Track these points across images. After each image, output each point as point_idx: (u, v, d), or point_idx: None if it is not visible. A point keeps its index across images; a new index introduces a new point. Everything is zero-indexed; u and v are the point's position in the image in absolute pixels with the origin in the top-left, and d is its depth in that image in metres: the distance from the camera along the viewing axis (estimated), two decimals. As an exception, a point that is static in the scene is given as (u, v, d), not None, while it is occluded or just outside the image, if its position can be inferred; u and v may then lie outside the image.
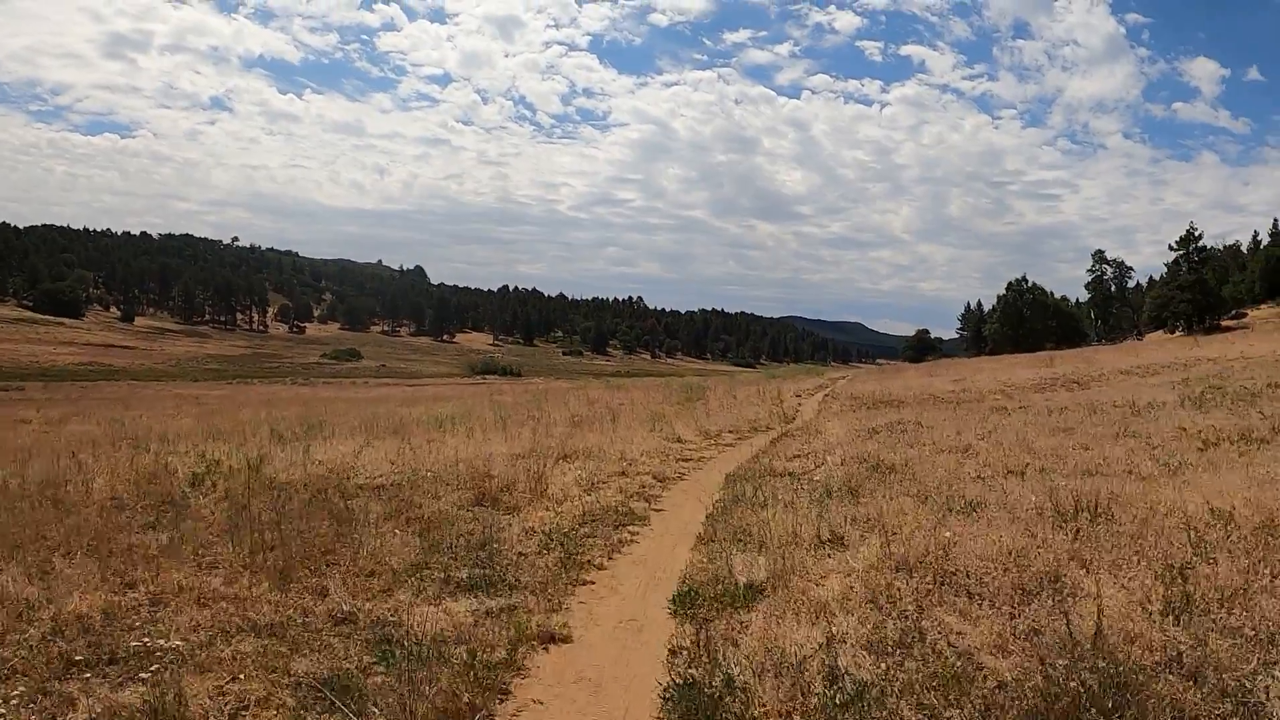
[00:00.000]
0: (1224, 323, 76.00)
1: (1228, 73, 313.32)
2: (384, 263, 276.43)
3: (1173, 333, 76.94)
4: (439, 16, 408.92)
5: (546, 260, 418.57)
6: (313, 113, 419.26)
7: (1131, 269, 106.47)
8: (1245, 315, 78.30)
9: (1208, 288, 77.59)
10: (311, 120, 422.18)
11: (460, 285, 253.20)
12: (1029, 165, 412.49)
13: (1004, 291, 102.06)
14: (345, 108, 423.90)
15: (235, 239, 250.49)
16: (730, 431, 17.10)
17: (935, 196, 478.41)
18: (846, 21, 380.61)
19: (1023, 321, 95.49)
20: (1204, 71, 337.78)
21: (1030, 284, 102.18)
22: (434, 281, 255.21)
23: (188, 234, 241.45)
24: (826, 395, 27.47)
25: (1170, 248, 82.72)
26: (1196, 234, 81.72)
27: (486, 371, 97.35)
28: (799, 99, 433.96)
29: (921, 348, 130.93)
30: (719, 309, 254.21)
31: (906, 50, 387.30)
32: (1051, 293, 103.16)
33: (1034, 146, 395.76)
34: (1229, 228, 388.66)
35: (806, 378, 38.64)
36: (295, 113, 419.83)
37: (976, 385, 25.30)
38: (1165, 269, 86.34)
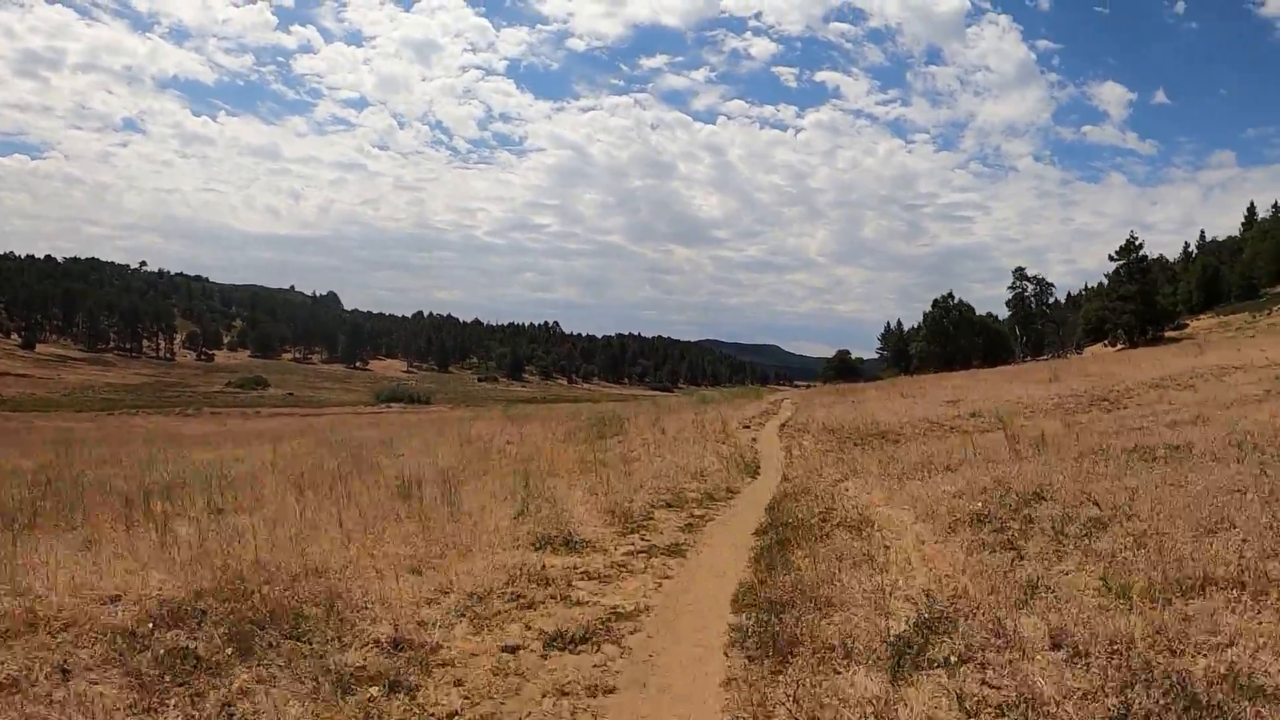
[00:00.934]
0: (1167, 333, 71.52)
1: (1135, 97, 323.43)
2: (297, 289, 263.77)
3: (1114, 345, 72.69)
4: (356, 39, 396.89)
5: (464, 286, 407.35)
6: (227, 135, 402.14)
7: (1052, 285, 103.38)
8: (1186, 325, 74.41)
9: (1150, 298, 73.18)
10: (226, 143, 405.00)
11: (374, 311, 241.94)
12: (942, 188, 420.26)
13: (929, 309, 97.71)
14: (260, 131, 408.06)
15: (144, 264, 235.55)
16: (666, 505, 9.68)
17: (850, 220, 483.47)
18: (762, 48, 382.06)
19: (950, 338, 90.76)
20: (1112, 96, 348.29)
21: (956, 300, 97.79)
22: (348, 308, 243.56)
23: (94, 257, 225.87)
24: (784, 426, 20.65)
25: (1110, 258, 77.68)
26: (1137, 243, 76.75)
27: (393, 399, 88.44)
28: (715, 124, 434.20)
29: (842, 368, 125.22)
30: (636, 333, 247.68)
31: (821, 76, 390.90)
32: (973, 309, 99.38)
33: (947, 170, 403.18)
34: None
35: (746, 402, 31.82)
36: (210, 135, 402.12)
37: (983, 408, 18.68)
38: (1105, 279, 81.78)
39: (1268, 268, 78.70)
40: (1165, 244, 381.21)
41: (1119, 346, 70.10)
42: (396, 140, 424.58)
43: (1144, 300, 72.18)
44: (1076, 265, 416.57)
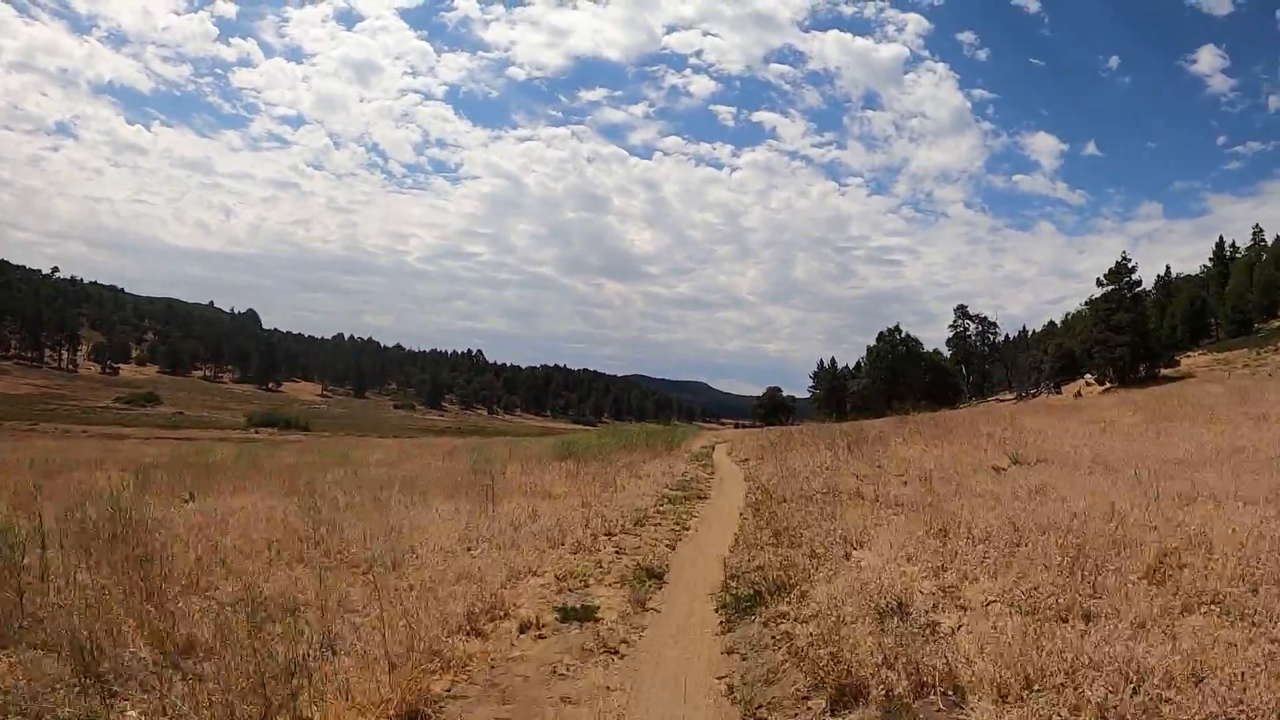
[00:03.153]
0: (1162, 370, 62.09)
1: (1066, 147, 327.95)
2: (216, 305, 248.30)
3: (1100, 384, 63.53)
4: (296, 56, 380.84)
5: (394, 312, 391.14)
6: (161, 146, 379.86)
7: (995, 325, 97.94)
8: (1178, 362, 65.21)
9: (1144, 330, 63.33)
10: (159, 154, 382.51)
11: (298, 333, 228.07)
12: (874, 231, 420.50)
13: (874, 343, 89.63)
14: (195, 143, 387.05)
15: (55, 269, 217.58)
16: None
17: (782, 260, 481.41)
18: (702, 85, 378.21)
19: (896, 376, 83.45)
20: (1044, 145, 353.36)
21: (904, 334, 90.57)
22: (274, 328, 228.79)
23: (3, 260, 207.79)
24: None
25: (1099, 282, 67.22)
26: (1130, 265, 66.60)
27: (266, 424, 77.96)
28: (651, 160, 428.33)
29: (773, 406, 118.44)
30: (561, 365, 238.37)
31: (759, 116, 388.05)
32: (920, 344, 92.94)
33: (879, 214, 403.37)
34: (1064, 293, 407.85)
35: (643, 453, 23.31)
36: (143, 145, 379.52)
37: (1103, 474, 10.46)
38: (1086, 307, 72.12)
39: (1259, 301, 71.82)
40: (1092, 293, 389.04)
41: (1105, 386, 61.61)
42: (332, 160, 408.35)
43: (1137, 332, 62.69)
44: (1005, 311, 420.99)
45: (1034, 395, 65.46)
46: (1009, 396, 71.83)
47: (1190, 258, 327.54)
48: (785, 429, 44.40)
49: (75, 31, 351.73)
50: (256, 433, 66.57)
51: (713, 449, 28.88)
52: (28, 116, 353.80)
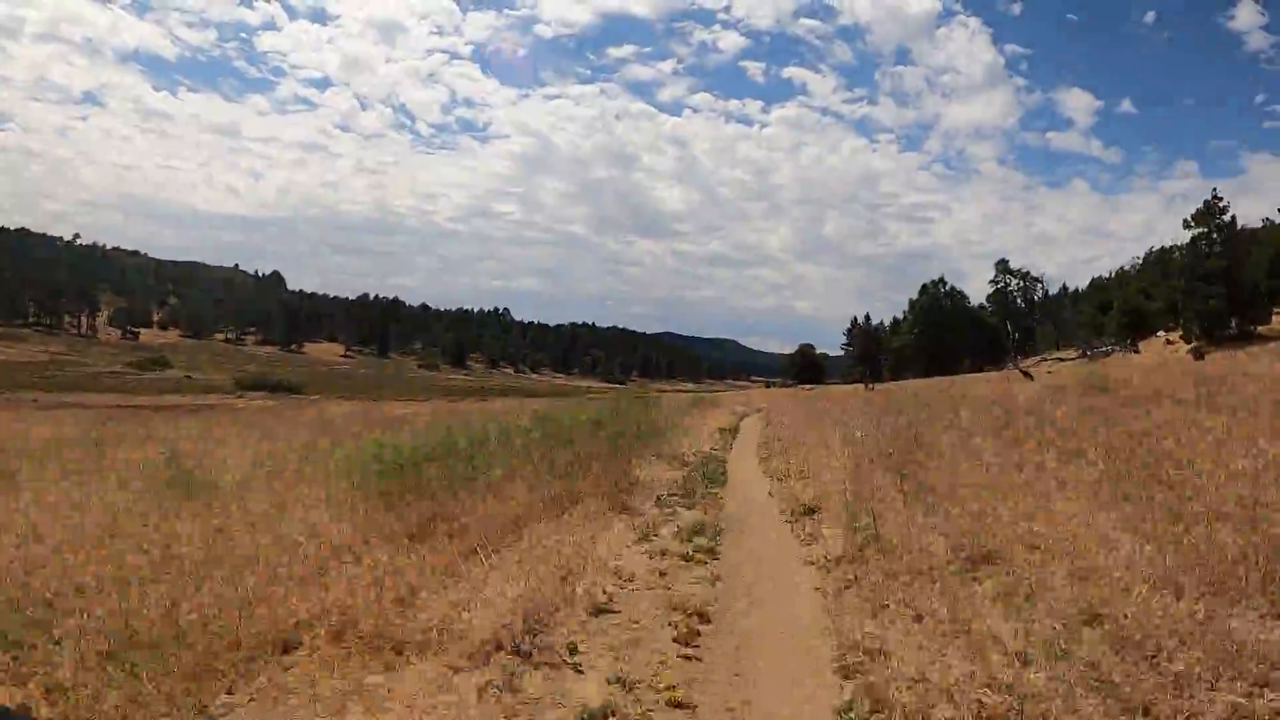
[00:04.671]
0: (1259, 329, 50.26)
1: (1101, 104, 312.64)
2: (241, 268, 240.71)
3: (1188, 342, 51.31)
4: (320, 17, 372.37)
5: (423, 272, 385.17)
6: (188, 111, 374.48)
7: (1039, 280, 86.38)
8: (1270, 320, 52.29)
9: (1238, 279, 50.15)
10: (186, 120, 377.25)
11: (320, 293, 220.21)
12: (905, 188, 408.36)
13: (917, 296, 79.44)
14: (221, 108, 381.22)
15: (77, 236, 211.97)
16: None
17: (812, 217, 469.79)
18: (731, 41, 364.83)
19: (943, 332, 73.45)
20: (1079, 102, 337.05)
21: (949, 286, 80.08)
22: (306, 290, 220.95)
23: (24, 228, 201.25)
24: None
25: (1186, 224, 54.14)
26: (1221, 203, 52.99)
27: (256, 387, 69.90)
28: (680, 116, 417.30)
29: (805, 364, 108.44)
30: (589, 323, 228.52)
31: (789, 72, 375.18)
32: (967, 298, 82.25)
33: (910, 170, 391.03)
34: (1097, 253, 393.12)
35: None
36: (170, 111, 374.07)
37: None
38: (1179, 250, 57.70)
39: None
40: (1127, 251, 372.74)
41: (1192, 345, 49.87)
42: (359, 122, 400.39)
43: (1230, 281, 50.04)
44: (1038, 270, 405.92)
45: (1106, 355, 53.96)
46: (1071, 356, 60.82)
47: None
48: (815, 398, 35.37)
49: (98, 0, 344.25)
50: (240, 398, 58.23)
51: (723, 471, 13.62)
52: (54, 87, 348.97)
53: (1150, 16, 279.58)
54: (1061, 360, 54.03)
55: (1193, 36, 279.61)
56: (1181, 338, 52.19)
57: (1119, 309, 60.15)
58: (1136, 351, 52.53)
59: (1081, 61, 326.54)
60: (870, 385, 43.29)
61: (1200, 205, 54.03)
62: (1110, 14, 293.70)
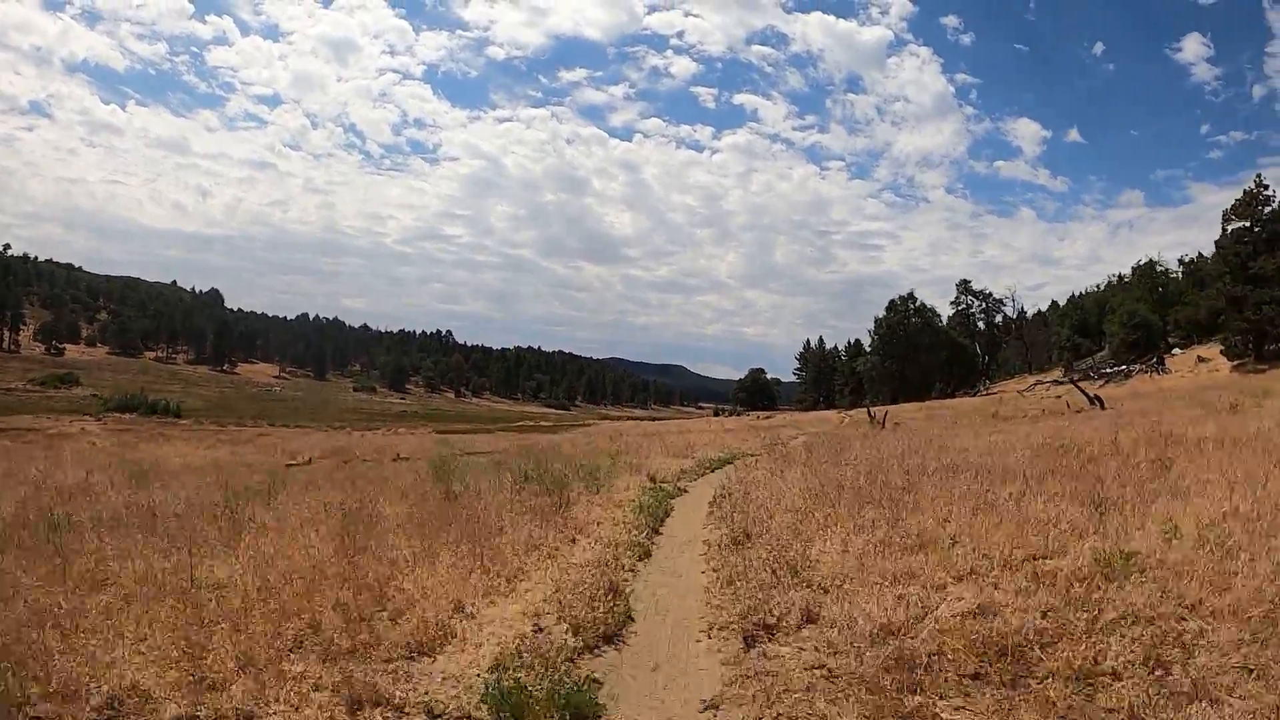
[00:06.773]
0: None
1: (1049, 134, 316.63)
2: (179, 284, 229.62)
3: (1232, 360, 43.84)
4: (273, 34, 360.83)
5: (371, 294, 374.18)
6: (136, 125, 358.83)
7: (1001, 302, 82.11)
8: None
9: None
10: (134, 134, 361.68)
11: (257, 312, 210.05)
12: (854, 215, 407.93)
13: (883, 314, 73.70)
14: (170, 123, 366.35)
15: (8, 246, 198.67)
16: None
17: (761, 243, 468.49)
18: (683, 66, 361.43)
19: (912, 353, 67.56)
20: (1027, 132, 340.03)
21: (919, 302, 74.85)
22: (249, 310, 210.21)
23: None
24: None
25: (1225, 217, 46.20)
26: (1267, 190, 44.55)
27: (124, 409, 61.66)
28: (631, 142, 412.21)
29: (756, 389, 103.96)
30: (534, 346, 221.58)
31: (740, 99, 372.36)
32: (938, 315, 77.06)
33: (860, 198, 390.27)
34: (1043, 280, 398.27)
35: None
36: (118, 124, 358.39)
37: None
38: (1219, 250, 48.23)
39: None
40: (1072, 279, 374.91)
41: (1235, 364, 42.88)
42: (309, 141, 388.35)
43: None
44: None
45: (1091, 377, 47.71)
46: (1049, 378, 55.46)
47: (1171, 246, 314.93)
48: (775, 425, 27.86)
49: (48, 8, 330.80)
50: (101, 421, 50.53)
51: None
52: (1, 96, 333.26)
53: (1099, 48, 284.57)
54: (1058, 383, 47.41)
55: (1139, 68, 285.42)
56: (1222, 353, 45.43)
57: (1125, 325, 54.68)
58: (1163, 370, 46.46)
59: (1030, 92, 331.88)
60: (873, 415, 33.64)
61: (1239, 196, 46.14)
62: (1058, 46, 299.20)
